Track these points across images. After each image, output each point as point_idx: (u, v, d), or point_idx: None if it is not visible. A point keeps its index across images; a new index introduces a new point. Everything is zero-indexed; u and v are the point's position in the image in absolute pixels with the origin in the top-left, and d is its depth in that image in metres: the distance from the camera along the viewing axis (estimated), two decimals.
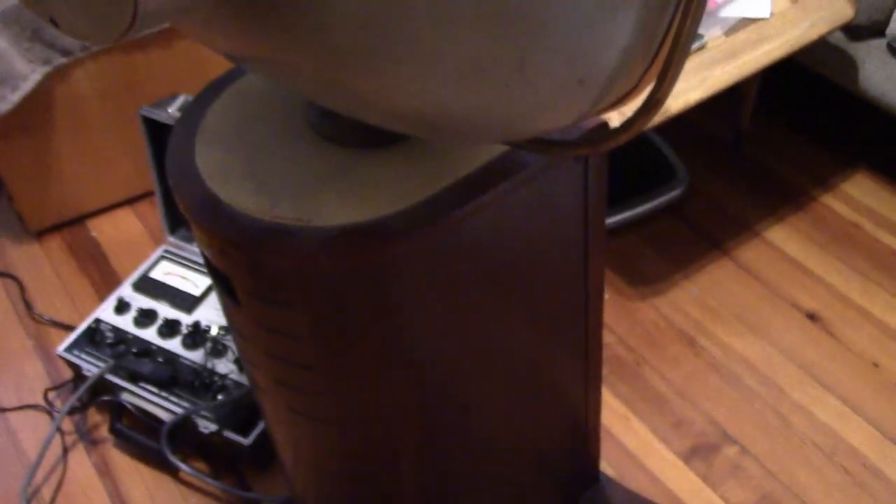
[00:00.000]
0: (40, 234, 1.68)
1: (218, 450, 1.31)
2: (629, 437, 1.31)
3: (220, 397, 1.28)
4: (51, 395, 1.41)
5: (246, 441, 1.24)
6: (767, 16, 1.35)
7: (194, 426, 1.26)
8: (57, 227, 1.68)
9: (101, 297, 1.55)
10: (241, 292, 0.79)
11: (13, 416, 1.41)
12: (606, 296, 1.49)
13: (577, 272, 0.94)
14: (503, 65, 0.57)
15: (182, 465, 1.26)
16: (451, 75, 0.57)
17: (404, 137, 0.78)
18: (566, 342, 1.00)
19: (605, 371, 1.39)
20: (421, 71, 0.57)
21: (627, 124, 0.65)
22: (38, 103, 1.52)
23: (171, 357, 1.33)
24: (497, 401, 0.98)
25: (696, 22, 0.58)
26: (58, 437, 1.36)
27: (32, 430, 1.39)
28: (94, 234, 1.67)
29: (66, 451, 1.35)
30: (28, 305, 1.55)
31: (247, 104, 0.84)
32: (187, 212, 0.76)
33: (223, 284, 0.81)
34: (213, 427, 1.25)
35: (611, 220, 1.56)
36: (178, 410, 1.27)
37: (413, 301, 0.78)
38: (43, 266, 1.62)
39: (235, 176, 0.77)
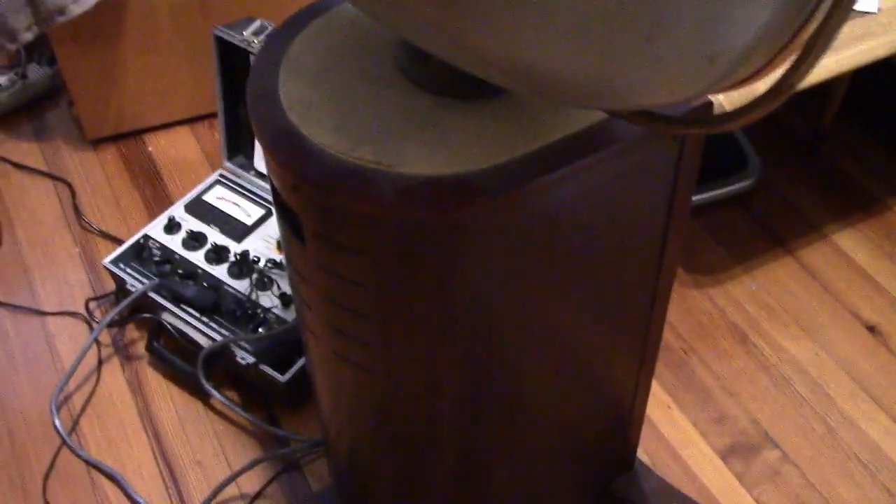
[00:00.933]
0: (97, 143, 1.66)
1: (252, 383, 1.30)
2: (669, 427, 1.28)
3: (261, 330, 1.27)
4: (92, 305, 1.40)
5: (282, 378, 1.23)
6: (875, 10, 1.28)
7: (232, 356, 1.25)
8: (114, 138, 1.67)
9: (151, 213, 1.54)
10: (308, 231, 0.76)
11: (52, 321, 1.40)
12: None
13: (653, 256, 0.90)
14: (632, 30, 0.53)
15: (214, 392, 1.25)
16: (574, 32, 0.53)
17: (500, 92, 0.74)
18: (627, 327, 0.97)
19: None
20: (543, 22, 0.53)
21: (747, 108, 0.61)
22: (111, 10, 1.49)
23: (215, 283, 1.32)
24: (546, 376, 0.95)
25: None
26: (94, 349, 1.36)
27: (70, 338, 1.38)
28: (150, 149, 1.65)
29: (100, 362, 1.35)
30: (78, 212, 1.54)
31: (334, 40, 0.80)
32: (263, 141, 0.73)
33: (290, 221, 0.78)
34: (250, 359, 1.24)
35: None
36: (218, 338, 1.26)
37: (482, 263, 0.75)
38: (96, 175, 1.61)
39: (318, 112, 0.73)
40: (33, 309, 1.42)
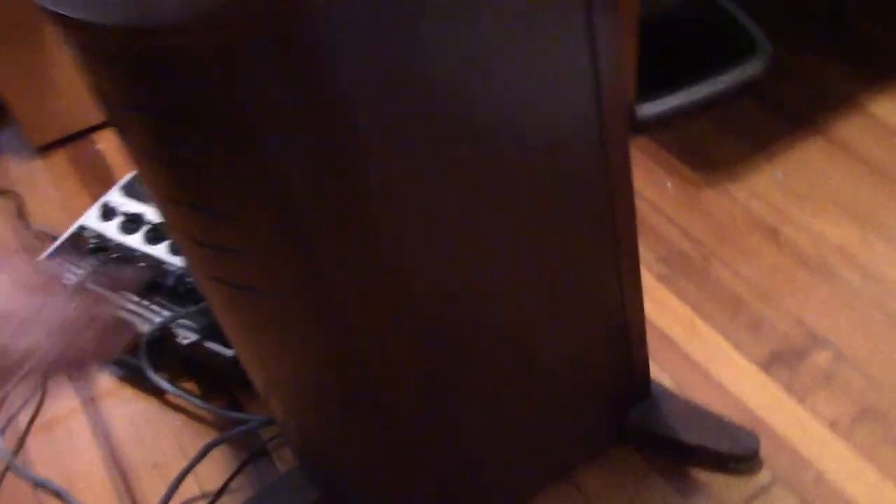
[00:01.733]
0: (45, 150, 1.54)
1: (204, 366, 1.13)
2: (694, 345, 1.07)
3: (202, 304, 1.11)
4: None
5: (229, 352, 1.06)
6: None
7: (174, 338, 1.09)
8: (62, 142, 1.54)
9: None
10: (119, 104, 0.59)
11: None
12: (670, 185, 1.24)
13: (587, 112, 0.71)
14: None
15: (162, 383, 1.09)
16: None
17: None
18: (584, 219, 0.77)
19: (665, 270, 1.15)
20: None
21: None
22: (25, 7, 1.37)
23: (155, 263, 1.16)
24: (504, 298, 0.76)
25: None
26: None
27: None
28: (98, 147, 1.52)
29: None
30: (25, 220, 1.42)
31: None
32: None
33: (105, 101, 0.61)
34: (193, 336, 1.07)
35: (676, 102, 1.31)
36: (157, 321, 1.10)
37: (345, 106, 0.57)
38: (44, 181, 1.49)
39: None
40: None
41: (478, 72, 0.61)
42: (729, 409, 0.99)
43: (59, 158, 1.52)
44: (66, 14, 0.53)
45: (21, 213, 1.43)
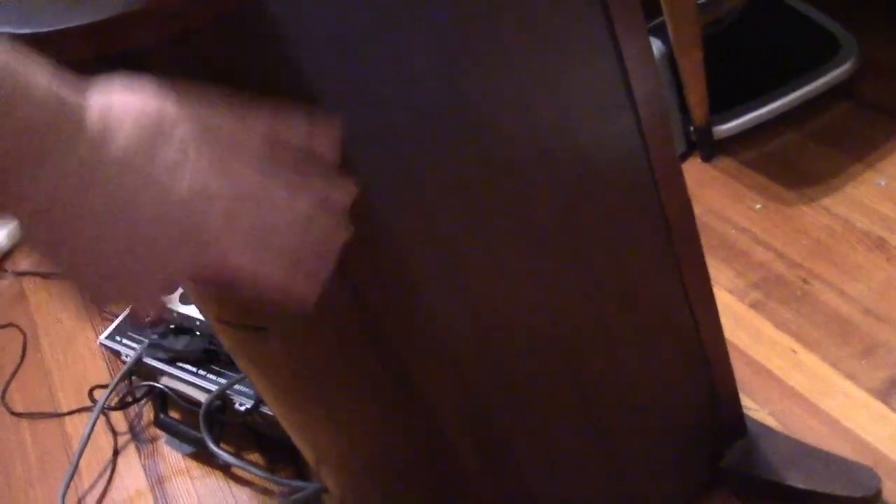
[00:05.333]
0: None
1: (265, 434, 1.07)
2: (798, 377, 0.94)
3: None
4: (101, 392, 1.24)
5: None
6: None
7: (232, 405, 1.04)
8: None
9: None
10: None
11: (69, 421, 1.25)
12: (759, 206, 1.13)
13: (628, 134, 0.63)
14: None
15: (224, 455, 1.03)
16: None
17: None
18: (642, 247, 0.68)
19: (760, 297, 1.03)
20: None
21: None
22: None
23: (211, 331, 1.12)
24: (565, 341, 0.67)
25: None
26: (109, 439, 1.18)
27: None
28: None
29: (116, 452, 1.17)
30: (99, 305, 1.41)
31: None
32: None
33: None
34: (248, 403, 1.02)
35: (757, 116, 1.20)
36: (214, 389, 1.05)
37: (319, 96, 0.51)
38: None
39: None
40: (50, 413, 1.27)
41: (497, 101, 0.54)
42: (842, 445, 0.85)
43: None
44: (10, 31, 0.49)
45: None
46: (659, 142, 0.65)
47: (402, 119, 0.52)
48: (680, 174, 0.68)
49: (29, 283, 1.54)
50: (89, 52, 0.48)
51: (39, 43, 0.49)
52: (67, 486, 1.12)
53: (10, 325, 1.46)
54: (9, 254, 1.62)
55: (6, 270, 1.58)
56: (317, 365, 0.66)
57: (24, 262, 1.59)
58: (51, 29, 0.48)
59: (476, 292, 0.61)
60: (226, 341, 0.68)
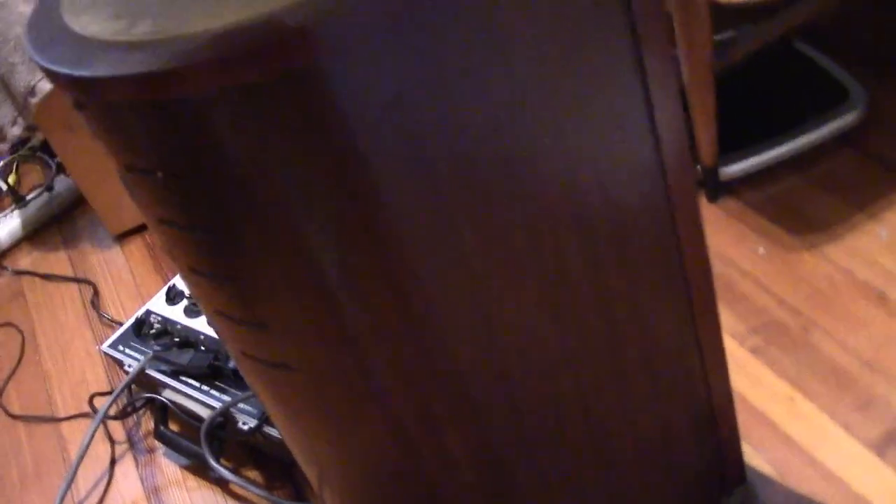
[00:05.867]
0: (122, 237, 1.55)
1: (265, 453, 1.08)
2: (796, 425, 0.96)
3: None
4: (101, 401, 1.24)
5: None
6: None
7: (234, 423, 1.04)
8: (139, 229, 1.55)
9: None
10: (121, 167, 0.56)
11: (66, 426, 1.25)
12: (762, 250, 1.14)
13: (648, 166, 0.64)
14: None
15: (224, 472, 1.04)
16: None
17: None
18: (654, 284, 0.70)
19: (759, 342, 1.04)
20: None
21: None
22: None
23: (217, 346, 1.13)
24: (568, 374, 0.68)
25: None
26: (107, 447, 1.19)
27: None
28: None
29: (113, 462, 1.17)
30: (98, 310, 1.41)
31: None
32: (32, 52, 0.54)
33: (112, 162, 0.58)
34: (252, 422, 1.02)
35: (764, 159, 1.22)
36: (218, 406, 1.06)
37: (358, 154, 0.52)
38: (120, 269, 1.49)
39: (98, 4, 0.55)
40: (47, 417, 1.27)
41: (515, 122, 0.55)
42: (838, 497, 0.87)
43: (137, 245, 1.53)
44: (57, 70, 0.50)
45: (94, 302, 1.43)
46: (677, 168, 0.66)
47: (444, 168, 0.54)
48: (695, 202, 0.69)
49: (28, 282, 1.54)
50: (142, 97, 0.49)
51: (93, 86, 0.50)
52: (64, 495, 1.12)
53: (8, 324, 1.46)
54: (8, 251, 1.62)
55: (5, 268, 1.58)
56: (335, 397, 0.67)
57: (23, 261, 1.59)
58: (106, 75, 0.49)
59: (497, 329, 0.62)
60: (247, 374, 0.69)
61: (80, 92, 0.51)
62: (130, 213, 1.53)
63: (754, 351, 1.03)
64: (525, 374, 0.66)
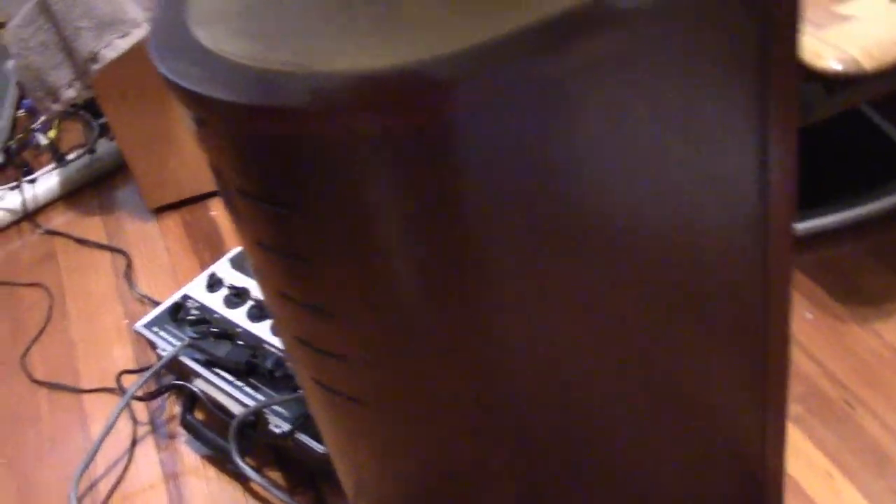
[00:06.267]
0: (160, 211, 1.54)
1: (293, 457, 1.07)
2: (831, 502, 0.95)
3: (300, 391, 1.05)
4: (127, 378, 1.23)
5: (321, 449, 1.00)
6: None
7: (266, 424, 1.04)
8: (177, 205, 1.54)
9: None
10: (231, 188, 0.55)
11: (88, 399, 1.24)
12: (810, 315, 1.13)
13: (746, 236, 0.63)
14: None
15: (250, 472, 1.04)
16: None
17: None
18: (730, 344, 0.69)
19: (800, 411, 1.04)
20: None
21: None
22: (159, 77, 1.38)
23: (255, 342, 1.12)
24: (623, 420, 0.68)
25: None
26: (129, 427, 1.18)
27: (105, 417, 1.21)
28: (213, 213, 1.51)
29: (134, 442, 1.17)
30: (130, 283, 1.40)
31: None
32: (157, 66, 0.53)
33: (219, 184, 0.57)
34: (285, 427, 1.02)
35: (822, 223, 1.21)
36: (252, 404, 1.05)
37: (474, 212, 0.51)
38: (155, 244, 1.48)
39: (232, 20, 0.53)
40: (70, 387, 1.26)
41: (626, 175, 0.54)
42: None
43: (173, 221, 1.52)
44: (185, 86, 0.49)
45: (128, 274, 1.43)
46: (780, 230, 0.64)
47: (545, 215, 0.53)
48: (790, 266, 0.68)
49: (61, 244, 1.53)
50: (272, 131, 0.48)
51: (222, 110, 0.49)
52: (84, 470, 1.11)
53: (37, 284, 1.45)
54: (42, 209, 1.61)
55: (39, 226, 1.57)
56: (396, 428, 0.66)
57: (57, 221, 1.58)
58: (238, 101, 0.48)
59: (563, 374, 0.62)
60: (313, 399, 0.68)
61: (207, 113, 0.50)
62: (171, 189, 1.52)
63: (795, 420, 1.03)
64: (583, 421, 0.65)
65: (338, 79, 0.46)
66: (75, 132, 1.79)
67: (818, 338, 1.11)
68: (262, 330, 1.14)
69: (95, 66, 1.28)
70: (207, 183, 1.52)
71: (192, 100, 0.50)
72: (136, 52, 1.27)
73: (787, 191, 0.63)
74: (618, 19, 0.47)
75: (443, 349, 0.56)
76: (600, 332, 0.60)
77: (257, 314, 1.16)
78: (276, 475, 1.08)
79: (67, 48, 1.30)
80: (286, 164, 0.49)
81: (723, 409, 0.73)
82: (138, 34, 1.27)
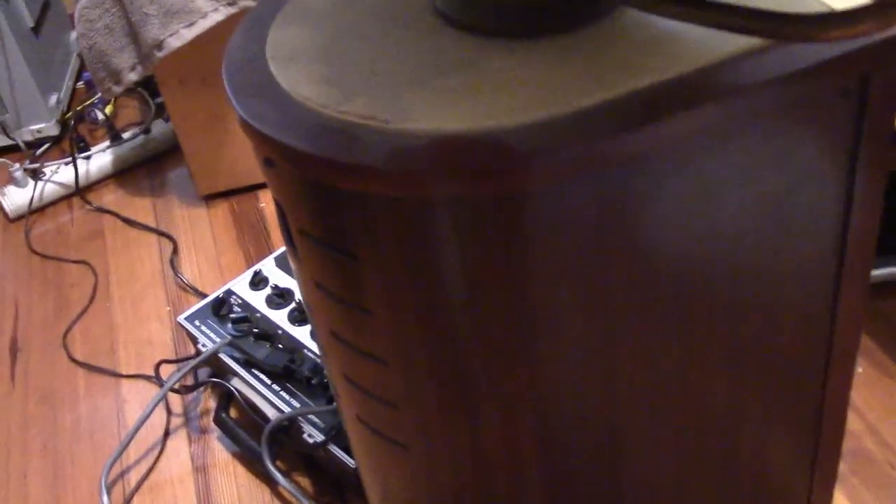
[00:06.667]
0: (210, 199, 1.54)
1: (323, 467, 1.07)
2: None
3: (335, 404, 1.05)
4: (166, 368, 1.24)
5: (352, 463, 0.99)
6: None
7: (299, 432, 1.03)
8: (227, 194, 1.54)
9: None
10: (293, 228, 0.54)
11: (126, 385, 1.25)
12: (860, 369, 1.11)
13: (820, 293, 0.61)
14: None
15: (279, 478, 1.04)
16: None
17: (568, 25, 0.50)
18: (784, 405, 0.67)
19: (844, 468, 1.01)
20: None
21: None
22: (219, 53, 1.38)
23: (294, 346, 1.12)
24: (668, 465, 0.66)
25: None
26: (163, 417, 1.18)
27: (141, 404, 1.22)
28: (262, 205, 1.51)
29: (167, 434, 1.17)
30: (175, 271, 1.41)
31: None
32: (232, 98, 0.53)
33: (281, 218, 0.56)
34: (319, 437, 1.01)
35: (879, 274, 1.18)
36: (287, 409, 1.05)
37: (543, 278, 0.49)
38: (203, 232, 1.48)
39: (309, 61, 0.52)
40: (109, 371, 1.27)
41: (704, 249, 0.53)
42: None
43: (222, 210, 1.52)
44: (259, 128, 0.48)
45: (173, 259, 1.43)
46: (853, 283, 0.62)
47: (617, 281, 0.51)
48: (860, 317, 0.65)
49: (109, 222, 1.54)
50: (342, 184, 0.47)
51: (294, 157, 0.48)
52: (117, 458, 1.12)
53: (84, 262, 1.46)
54: (93, 186, 1.62)
55: (89, 203, 1.58)
56: (444, 476, 0.65)
57: (107, 198, 1.59)
58: (309, 151, 0.47)
59: (617, 425, 0.61)
60: (355, 434, 0.68)
61: (278, 158, 0.49)
62: (223, 178, 1.52)
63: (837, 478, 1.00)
64: (630, 472, 0.64)
65: (415, 139, 0.45)
66: (132, 109, 1.80)
67: (867, 393, 1.08)
68: (302, 334, 1.13)
69: (159, 54, 1.28)
70: (259, 174, 1.52)
71: (264, 142, 0.49)
72: (200, 39, 1.27)
73: (864, 267, 0.60)
74: (713, 96, 0.45)
75: (499, 406, 0.55)
76: (659, 388, 0.59)
77: (298, 317, 1.16)
78: (304, 481, 1.08)
79: (133, 33, 1.30)
80: (353, 216, 0.48)
81: (772, 467, 0.72)
82: (204, 24, 1.27)
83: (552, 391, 0.56)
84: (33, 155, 1.69)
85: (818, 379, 0.65)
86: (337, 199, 0.48)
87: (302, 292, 0.60)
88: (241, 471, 1.12)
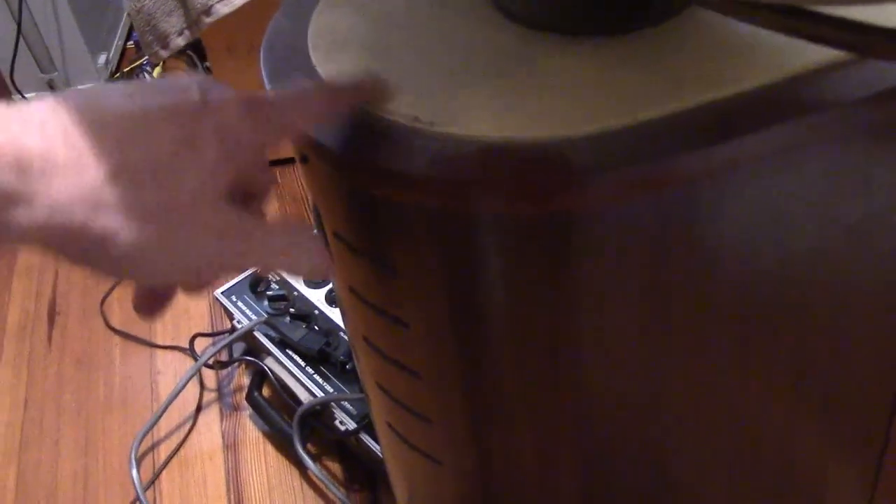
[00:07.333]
0: None
1: (353, 454, 1.05)
2: None
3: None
4: (201, 342, 1.22)
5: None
6: None
7: (331, 418, 1.01)
8: (273, 164, 1.51)
9: None
10: (328, 231, 0.51)
11: (161, 356, 1.24)
12: None
13: (892, 341, 0.56)
14: None
15: (309, 462, 1.02)
16: None
17: (635, 23, 0.46)
18: (847, 438, 0.63)
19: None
20: None
21: None
22: (267, 21, 1.35)
23: (331, 328, 1.09)
24: (709, 499, 0.63)
25: None
26: (196, 391, 1.17)
27: (175, 376, 1.21)
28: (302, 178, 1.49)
29: (199, 408, 1.16)
30: None
31: None
32: (268, 85, 0.49)
33: (317, 220, 0.53)
34: (351, 424, 0.99)
35: None
36: (319, 393, 1.03)
37: (593, 299, 0.46)
38: None
39: (351, 51, 0.49)
40: (144, 340, 1.26)
41: (772, 271, 0.49)
42: None
43: None
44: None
45: None
46: None
47: (673, 310, 0.48)
48: None
49: None
50: (377, 190, 0.44)
51: (329, 157, 0.44)
52: (148, 430, 1.11)
53: None
54: None
55: None
56: (476, 487, 0.62)
57: None
58: (343, 151, 0.43)
59: (671, 462, 0.57)
60: (382, 436, 0.65)
61: (313, 155, 0.46)
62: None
63: None
64: (675, 487, 0.61)
65: (461, 146, 0.41)
66: (180, 71, 1.78)
67: None
68: (339, 316, 1.11)
69: (208, 20, 1.25)
70: None
71: (300, 137, 0.45)
72: (250, 7, 1.24)
73: None
74: (794, 113, 0.41)
75: (537, 429, 0.52)
76: (711, 416, 0.55)
77: (335, 298, 1.13)
78: (334, 466, 1.06)
79: None
80: (391, 224, 0.45)
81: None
82: None
83: (596, 414, 0.52)
84: None
85: (883, 419, 0.60)
86: (374, 204, 0.45)
87: (336, 291, 0.57)
88: (270, 450, 1.11)
